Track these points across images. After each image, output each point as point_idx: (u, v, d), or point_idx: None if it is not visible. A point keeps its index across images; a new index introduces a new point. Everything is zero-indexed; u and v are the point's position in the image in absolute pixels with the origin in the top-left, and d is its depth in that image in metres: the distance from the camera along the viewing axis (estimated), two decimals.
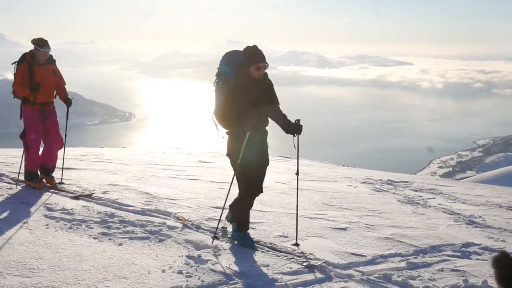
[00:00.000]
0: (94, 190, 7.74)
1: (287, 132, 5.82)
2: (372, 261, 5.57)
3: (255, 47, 5.61)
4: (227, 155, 5.86)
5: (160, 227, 6.07)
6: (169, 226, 6.12)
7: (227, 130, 5.77)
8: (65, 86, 8.14)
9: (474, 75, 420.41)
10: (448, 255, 5.94)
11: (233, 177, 5.81)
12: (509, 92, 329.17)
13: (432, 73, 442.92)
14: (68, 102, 8.11)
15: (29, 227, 5.72)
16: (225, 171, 11.38)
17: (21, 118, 7.73)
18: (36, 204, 6.74)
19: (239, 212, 5.87)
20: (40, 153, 7.95)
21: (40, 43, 7.55)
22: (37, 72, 7.56)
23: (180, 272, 4.75)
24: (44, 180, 8.00)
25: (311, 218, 7.15)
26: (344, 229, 6.70)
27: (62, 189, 7.78)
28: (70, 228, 5.84)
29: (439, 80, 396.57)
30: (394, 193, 9.87)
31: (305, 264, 5.31)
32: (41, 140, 7.86)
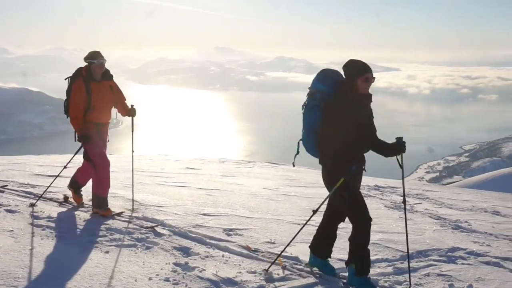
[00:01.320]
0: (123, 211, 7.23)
1: (389, 155, 5.09)
2: None
3: (359, 59, 4.96)
4: (326, 185, 5.13)
5: (147, 235, 6.05)
6: (156, 234, 6.11)
7: (325, 158, 4.98)
8: (126, 102, 7.41)
9: (460, 81, 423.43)
10: (434, 260, 5.98)
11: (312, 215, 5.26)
12: (494, 98, 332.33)
13: (419, 79, 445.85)
14: (132, 111, 7.38)
15: (15, 236, 5.68)
16: (213, 177, 11.40)
17: (75, 141, 6.94)
18: (22, 212, 6.69)
19: (359, 251, 5.03)
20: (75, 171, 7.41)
21: (93, 55, 6.83)
22: (94, 89, 6.83)
23: (167, 280, 4.74)
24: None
25: (298, 224, 7.14)
26: None
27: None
28: (56, 236, 5.80)
29: (426, 86, 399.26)
30: (381, 199, 9.91)
31: (291, 269, 5.33)
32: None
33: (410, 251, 6.19)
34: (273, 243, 6.21)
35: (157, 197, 8.38)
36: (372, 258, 5.84)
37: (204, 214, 7.34)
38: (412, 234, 7.07)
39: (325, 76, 5.01)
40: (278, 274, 5.15)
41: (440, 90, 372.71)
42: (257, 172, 13.34)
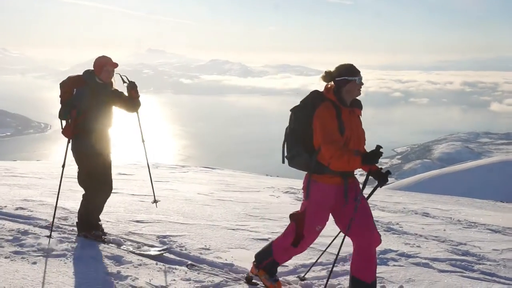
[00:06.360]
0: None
1: None
2: (294, 271, 5.60)
3: None
4: None
5: (77, 244, 5.86)
6: (86, 242, 5.93)
7: None
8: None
9: (392, 84, 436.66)
10: None
11: None
12: (425, 101, 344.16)
13: None
14: (383, 177, 4.91)
15: None
16: (146, 183, 11.20)
17: (306, 198, 4.70)
18: None
19: None
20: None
21: (351, 70, 4.57)
22: (346, 120, 4.57)
23: None
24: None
25: (233, 229, 7.11)
26: (267, 239, 6.70)
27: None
28: None
29: None
30: None
31: (227, 276, 5.27)
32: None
33: (344, 254, 6.26)
34: (208, 249, 6.14)
35: None
36: (306, 262, 5.87)
37: (137, 221, 7.19)
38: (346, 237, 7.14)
39: None
40: (212, 281, 5.08)
41: (373, 94, 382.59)
42: (192, 177, 13.23)
